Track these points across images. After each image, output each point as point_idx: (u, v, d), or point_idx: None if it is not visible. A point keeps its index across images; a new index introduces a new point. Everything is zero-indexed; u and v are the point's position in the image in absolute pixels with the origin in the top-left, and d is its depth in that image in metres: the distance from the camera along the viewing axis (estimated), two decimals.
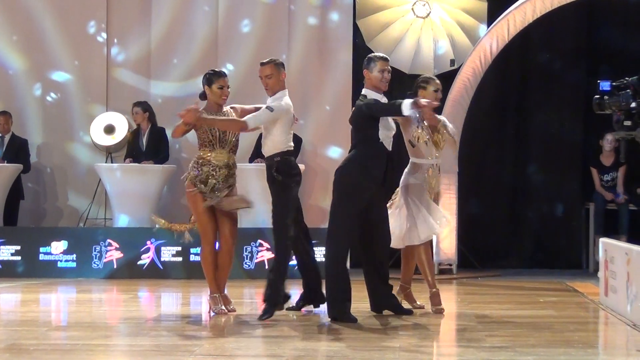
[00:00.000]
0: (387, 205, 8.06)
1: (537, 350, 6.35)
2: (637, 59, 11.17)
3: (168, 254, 10.94)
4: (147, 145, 11.83)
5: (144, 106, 11.90)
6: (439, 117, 8.25)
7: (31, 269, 10.98)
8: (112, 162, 12.09)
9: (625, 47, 12.10)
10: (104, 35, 12.47)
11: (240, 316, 7.92)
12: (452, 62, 11.89)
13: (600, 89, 7.93)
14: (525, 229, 12.54)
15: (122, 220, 11.51)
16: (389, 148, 7.76)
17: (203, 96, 8.14)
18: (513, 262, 12.38)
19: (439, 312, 8.05)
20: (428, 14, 12.00)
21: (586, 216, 12.20)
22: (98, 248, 10.99)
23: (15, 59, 12.51)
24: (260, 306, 7.83)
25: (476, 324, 7.57)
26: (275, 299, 7.74)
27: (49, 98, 12.53)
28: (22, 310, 8.76)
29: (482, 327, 7.41)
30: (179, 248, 10.84)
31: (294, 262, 10.64)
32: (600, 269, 8.64)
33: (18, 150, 12.06)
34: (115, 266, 10.97)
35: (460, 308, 8.70)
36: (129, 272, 10.92)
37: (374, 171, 7.67)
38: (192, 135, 8.16)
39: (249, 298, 8.93)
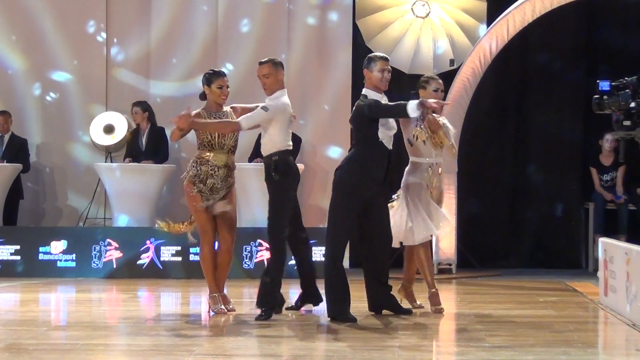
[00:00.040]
0: (389, 204, 8.05)
1: (537, 350, 6.35)
2: (636, 59, 11.17)
3: (167, 253, 10.94)
4: (146, 145, 11.84)
5: (144, 106, 11.90)
6: (441, 119, 8.25)
7: (31, 269, 10.98)
8: (111, 162, 12.09)
9: (624, 47, 12.10)
10: (104, 35, 12.47)
11: (239, 316, 7.92)
12: (452, 62, 11.89)
13: (600, 88, 7.93)
14: (525, 229, 12.54)
15: (122, 220, 11.51)
16: (390, 147, 7.76)
17: (203, 96, 8.15)
18: (513, 262, 12.38)
19: (438, 311, 8.06)
20: (427, 14, 11.99)
21: (586, 216, 12.21)
22: (97, 248, 10.99)
23: (15, 59, 12.50)
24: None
25: (476, 324, 7.57)
26: (271, 302, 7.70)
27: (48, 98, 12.53)
28: (22, 310, 8.76)
29: (481, 326, 7.42)
30: (179, 248, 10.84)
31: (292, 261, 10.73)
32: (599, 269, 8.64)
33: (18, 150, 12.06)
34: (114, 266, 10.97)
35: (460, 308, 8.70)
36: (128, 271, 10.92)
37: (373, 171, 7.67)
38: (191, 135, 8.17)
39: (249, 298, 8.92)
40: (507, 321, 7.81)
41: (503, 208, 12.51)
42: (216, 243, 8.07)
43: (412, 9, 12.01)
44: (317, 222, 12.03)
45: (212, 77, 8.07)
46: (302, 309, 8.15)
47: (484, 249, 12.23)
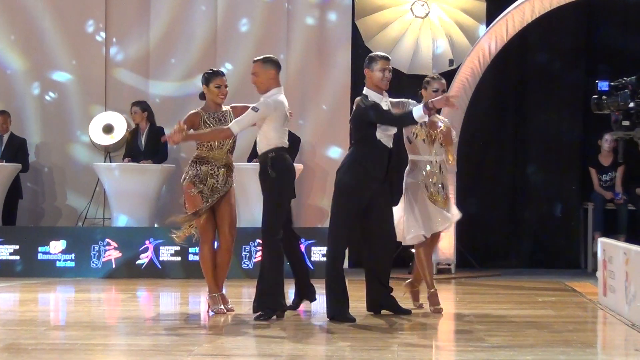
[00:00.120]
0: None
1: (536, 350, 6.35)
2: (635, 59, 11.17)
3: (167, 253, 10.93)
4: (145, 144, 11.83)
5: (143, 106, 11.90)
6: (443, 120, 8.25)
7: (30, 269, 10.97)
8: (110, 162, 12.09)
9: (624, 47, 12.10)
10: (103, 34, 12.47)
11: (238, 316, 7.92)
12: (451, 62, 11.89)
13: (599, 89, 7.93)
14: (524, 229, 12.54)
15: (121, 220, 11.51)
16: (389, 145, 7.75)
17: (202, 96, 8.16)
18: (512, 262, 12.38)
19: (437, 311, 8.06)
20: (427, 14, 11.99)
21: (585, 216, 12.21)
22: (97, 247, 10.99)
23: (14, 59, 12.49)
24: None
25: (475, 324, 7.57)
26: (269, 302, 7.63)
27: (47, 97, 12.53)
28: (21, 310, 8.76)
29: (480, 326, 7.42)
30: (178, 248, 10.83)
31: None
32: (598, 269, 8.64)
33: (17, 150, 12.05)
34: (113, 266, 10.97)
35: (459, 308, 8.70)
36: (127, 271, 10.91)
37: (373, 170, 7.67)
38: None
39: (248, 298, 8.91)
40: (506, 321, 7.81)
41: (502, 208, 12.51)
42: (215, 243, 8.07)
43: (411, 9, 12.01)
44: (316, 222, 12.04)
45: (211, 76, 8.08)
46: (301, 309, 8.14)
47: (483, 249, 12.24)
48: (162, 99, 12.41)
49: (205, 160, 7.98)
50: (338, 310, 7.60)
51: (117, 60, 12.50)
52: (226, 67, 11.94)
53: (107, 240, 10.98)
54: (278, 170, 7.65)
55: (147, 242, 10.94)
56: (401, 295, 8.25)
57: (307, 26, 12.33)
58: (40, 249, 11.01)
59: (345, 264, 7.75)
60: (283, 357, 6.13)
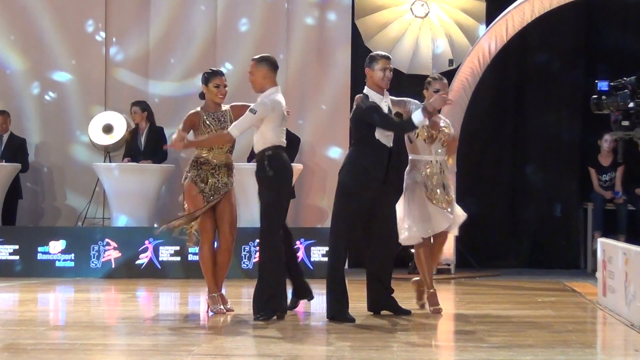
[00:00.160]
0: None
1: (535, 350, 6.35)
2: (635, 59, 11.17)
3: (166, 253, 10.94)
4: (145, 144, 11.84)
5: (143, 106, 11.90)
6: (445, 120, 8.25)
7: (29, 269, 10.97)
8: (110, 162, 12.09)
9: (623, 47, 12.10)
10: (103, 34, 12.47)
11: (238, 316, 7.92)
12: (451, 62, 11.89)
13: (598, 88, 7.93)
14: (524, 229, 12.54)
15: (121, 220, 11.51)
16: (389, 145, 7.74)
17: (202, 96, 8.17)
18: (511, 262, 12.38)
19: (437, 312, 8.06)
20: (426, 14, 12.00)
21: (584, 216, 12.21)
22: (96, 247, 10.99)
23: (13, 58, 12.49)
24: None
25: (474, 324, 7.57)
26: (271, 304, 7.62)
27: (47, 97, 12.53)
28: (20, 310, 8.76)
29: (480, 326, 7.41)
30: (177, 247, 10.83)
31: None
32: (598, 269, 8.64)
33: (16, 150, 12.05)
34: (113, 266, 10.97)
35: (459, 308, 8.70)
36: (127, 271, 10.91)
37: (373, 170, 7.66)
38: (190, 135, 8.15)
39: (247, 297, 8.90)
40: (506, 321, 7.81)
41: (502, 208, 12.51)
42: (215, 243, 8.07)
43: (411, 9, 12.02)
44: (316, 222, 12.05)
45: (210, 76, 8.09)
46: (300, 310, 8.13)
47: (483, 249, 12.24)
48: (162, 99, 12.41)
49: (206, 160, 7.99)
50: (338, 311, 7.60)
51: (116, 60, 12.50)
52: (226, 67, 11.94)
53: (106, 240, 10.99)
54: (275, 169, 7.62)
55: (146, 242, 10.94)
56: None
57: (306, 26, 12.33)
58: (39, 249, 11.02)
59: (345, 264, 7.74)
60: (282, 357, 6.13)
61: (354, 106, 7.89)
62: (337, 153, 12.15)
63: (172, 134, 7.93)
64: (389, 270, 7.91)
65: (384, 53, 7.92)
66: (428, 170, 8.08)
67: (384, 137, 7.71)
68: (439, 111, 8.31)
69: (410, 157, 8.17)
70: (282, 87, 11.96)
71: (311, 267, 10.82)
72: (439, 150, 8.13)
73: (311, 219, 12.09)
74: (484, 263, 11.98)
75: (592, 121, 11.40)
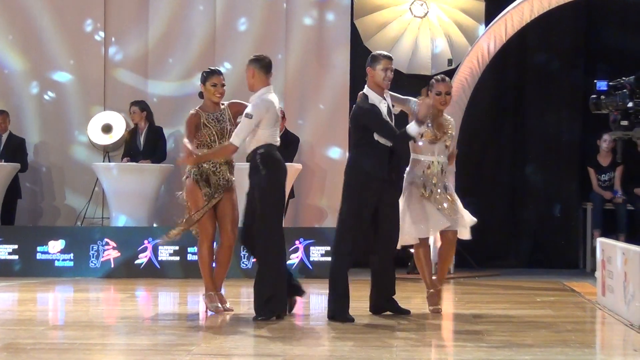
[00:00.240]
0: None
1: (535, 350, 6.35)
2: (634, 59, 11.17)
3: (165, 253, 10.93)
4: (144, 144, 11.84)
5: (142, 105, 11.90)
6: (449, 119, 8.25)
7: (28, 268, 10.97)
8: (109, 161, 12.09)
9: (623, 46, 12.11)
10: (102, 34, 12.46)
11: (237, 315, 7.92)
12: (450, 61, 11.90)
13: (597, 88, 7.93)
14: (523, 229, 12.55)
15: (120, 220, 11.50)
16: (389, 144, 7.74)
17: (202, 95, 8.16)
18: (511, 262, 12.38)
19: (436, 311, 8.05)
20: (426, 14, 12.00)
21: (584, 216, 12.22)
22: (95, 247, 10.98)
23: (12, 58, 12.48)
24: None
25: (474, 324, 7.57)
26: (274, 307, 7.61)
27: (46, 97, 12.52)
28: (20, 310, 8.76)
29: (479, 326, 7.41)
30: (177, 247, 10.83)
31: (291, 261, 10.73)
32: (597, 269, 8.64)
33: (16, 150, 12.05)
34: (112, 265, 10.96)
35: (458, 308, 8.70)
36: (126, 271, 10.91)
37: (374, 171, 7.65)
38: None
39: (246, 297, 8.91)
40: (505, 321, 7.81)
41: (501, 208, 12.51)
42: (215, 244, 8.08)
43: (410, 8, 12.02)
44: (315, 222, 12.05)
45: (208, 75, 8.10)
46: (299, 311, 8.12)
47: (482, 249, 12.22)
48: (161, 99, 12.41)
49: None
50: (338, 310, 7.60)
51: (116, 60, 12.49)
52: (225, 67, 11.93)
53: (105, 239, 10.98)
54: (268, 167, 7.60)
55: (145, 241, 10.93)
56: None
57: (306, 25, 12.32)
58: (39, 248, 11.01)
59: (349, 265, 7.70)
60: (282, 357, 6.13)
61: (355, 106, 7.88)
62: (336, 153, 12.15)
63: (182, 149, 7.88)
64: (388, 269, 7.90)
65: (386, 53, 7.90)
66: (428, 171, 8.07)
67: (383, 138, 7.70)
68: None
69: (412, 157, 8.15)
70: (281, 87, 12.07)
71: (310, 267, 10.83)
72: (441, 152, 8.12)
73: (310, 218, 12.09)
74: (483, 263, 11.98)
75: (591, 121, 11.41)
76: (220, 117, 8.04)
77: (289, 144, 11.47)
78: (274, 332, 7.11)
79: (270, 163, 7.61)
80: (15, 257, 11.03)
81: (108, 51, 12.47)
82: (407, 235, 8.00)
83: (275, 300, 7.58)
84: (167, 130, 12.11)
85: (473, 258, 11.81)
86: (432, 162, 8.08)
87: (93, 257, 10.97)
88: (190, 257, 10.76)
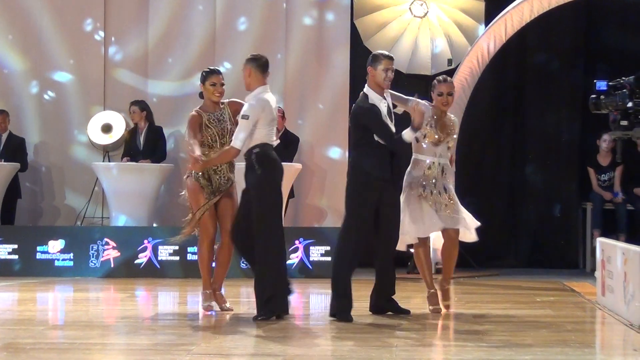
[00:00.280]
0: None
1: (534, 350, 6.35)
2: (634, 59, 11.17)
3: (165, 253, 10.93)
4: (144, 144, 11.84)
5: (142, 105, 11.90)
6: (453, 119, 8.25)
7: (28, 268, 10.97)
8: (109, 161, 12.09)
9: (622, 46, 12.11)
10: (102, 33, 12.45)
11: (237, 315, 7.92)
12: (450, 61, 11.90)
13: (597, 88, 7.93)
14: (523, 229, 12.55)
15: (120, 219, 11.50)
16: None
17: (202, 95, 8.16)
18: (510, 262, 12.39)
19: (436, 312, 8.06)
20: (425, 14, 12.00)
21: (583, 216, 12.22)
22: (95, 247, 10.98)
23: (12, 58, 12.48)
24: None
25: (473, 324, 7.57)
26: (274, 308, 7.62)
27: (46, 97, 12.52)
28: (19, 309, 8.76)
29: (479, 326, 7.42)
30: (176, 247, 10.83)
31: (291, 261, 10.74)
32: (597, 269, 8.64)
33: (15, 149, 12.05)
34: (112, 265, 10.96)
35: (458, 308, 8.69)
36: (126, 271, 10.91)
37: (374, 171, 7.65)
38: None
39: (246, 297, 8.92)
40: (505, 321, 7.81)
41: (501, 208, 12.51)
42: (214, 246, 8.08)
43: (410, 8, 12.02)
44: (315, 221, 12.05)
45: (207, 75, 8.10)
46: (300, 310, 8.12)
47: (482, 249, 12.19)
48: (161, 99, 12.40)
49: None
50: (339, 309, 7.60)
51: (115, 60, 12.49)
52: (225, 66, 11.92)
53: (105, 239, 10.98)
54: (264, 166, 7.59)
55: (145, 241, 10.94)
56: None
57: (305, 25, 12.32)
58: (38, 248, 11.01)
59: (353, 265, 7.68)
60: (282, 357, 6.13)
61: (354, 105, 7.87)
62: (336, 153, 12.15)
63: (189, 153, 7.87)
64: (391, 271, 7.90)
65: (387, 53, 7.89)
66: (429, 171, 8.06)
67: None
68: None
69: (413, 157, 8.14)
70: (281, 87, 12.07)
71: (310, 267, 10.83)
72: (443, 153, 8.11)
73: (310, 218, 12.09)
74: (483, 263, 11.98)
75: (591, 121, 11.41)
76: (221, 116, 8.04)
77: (289, 143, 11.47)
78: (274, 332, 7.11)
79: (266, 162, 7.60)
80: (15, 256, 11.03)
81: (108, 51, 12.47)
82: (407, 235, 8.00)
83: (275, 300, 7.58)
84: (167, 130, 12.11)
85: (473, 258, 11.81)
86: (433, 162, 8.08)
87: (93, 257, 10.97)
88: (190, 256, 10.77)
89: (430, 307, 8.10)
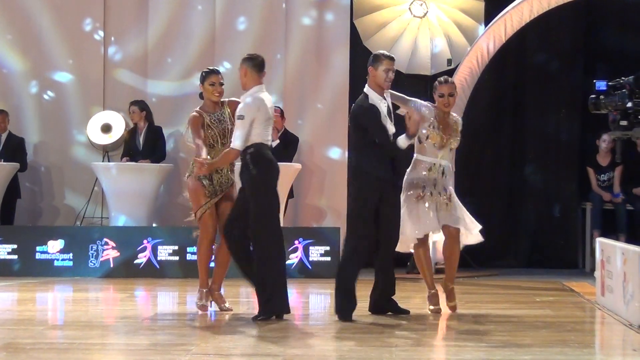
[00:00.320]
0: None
1: (534, 350, 6.35)
2: (634, 59, 11.18)
3: (164, 253, 10.93)
4: (144, 144, 11.84)
5: (141, 105, 11.90)
6: (457, 118, 8.24)
7: (28, 268, 10.96)
8: (108, 161, 12.09)
9: (622, 46, 12.11)
10: (101, 33, 12.45)
11: (236, 315, 7.92)
12: (449, 61, 11.89)
13: (596, 88, 7.93)
14: (522, 229, 12.55)
15: (119, 219, 11.50)
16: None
17: (202, 95, 8.16)
18: (510, 262, 12.38)
19: (436, 311, 8.06)
20: (425, 14, 11.99)
21: (583, 216, 12.22)
22: (95, 247, 10.98)
23: (11, 58, 12.47)
24: (256, 306, 7.80)
25: (473, 324, 7.57)
26: (274, 308, 7.62)
27: (45, 96, 12.51)
28: (19, 309, 8.76)
29: (478, 326, 7.42)
30: (176, 247, 10.84)
31: (290, 261, 10.73)
32: (596, 269, 8.64)
33: (15, 149, 12.04)
34: (111, 265, 10.96)
35: (458, 308, 8.68)
36: (125, 271, 10.91)
37: (376, 170, 7.65)
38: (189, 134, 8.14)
39: (245, 297, 8.92)
40: (504, 321, 7.81)
41: (500, 208, 12.51)
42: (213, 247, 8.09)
43: (409, 8, 12.01)
44: (314, 221, 12.04)
45: (206, 75, 8.11)
46: (299, 310, 8.12)
47: (481, 249, 12.14)
48: (160, 98, 12.40)
49: (211, 157, 7.97)
50: (342, 308, 7.62)
51: (115, 60, 12.48)
52: (224, 66, 11.91)
53: (105, 239, 10.98)
54: (259, 166, 7.57)
55: (145, 241, 10.93)
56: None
57: (305, 25, 12.32)
58: (38, 248, 11.01)
59: (359, 265, 7.66)
60: (281, 357, 6.13)
61: (354, 105, 7.87)
62: (336, 153, 12.14)
63: (195, 152, 7.87)
64: (391, 271, 7.90)
65: (388, 54, 7.88)
66: (429, 172, 8.04)
67: None
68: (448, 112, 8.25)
69: (414, 157, 8.12)
70: (280, 87, 12.07)
71: (309, 267, 10.82)
72: (445, 155, 8.10)
73: (309, 218, 12.09)
74: (482, 263, 11.97)
75: (590, 121, 11.41)
76: (221, 117, 8.03)
77: (289, 143, 11.47)
78: (274, 332, 7.11)
79: (260, 162, 7.59)
80: (15, 256, 11.03)
81: (107, 51, 12.46)
82: (406, 236, 7.99)
83: (274, 300, 7.58)
84: (167, 130, 12.11)
85: (472, 258, 11.81)
86: (434, 164, 8.06)
87: (92, 257, 10.97)
88: (189, 256, 10.76)
89: (431, 307, 8.10)
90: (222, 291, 8.19)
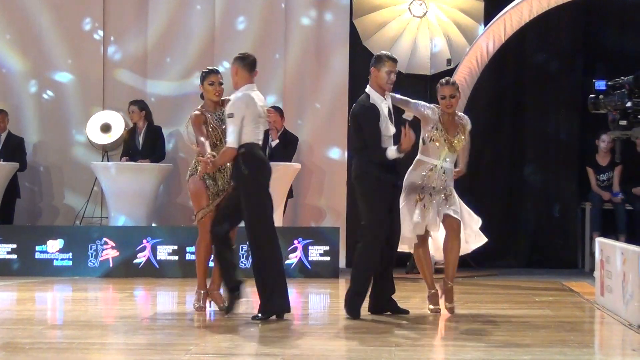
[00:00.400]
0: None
1: (533, 350, 6.35)
2: (633, 59, 11.18)
3: (164, 252, 10.93)
4: (143, 143, 11.83)
5: (141, 105, 11.90)
6: (464, 117, 8.23)
7: (27, 268, 10.96)
8: (108, 161, 12.09)
9: (621, 46, 12.12)
10: (101, 33, 12.45)
11: (236, 315, 7.91)
12: (449, 61, 11.89)
13: (596, 88, 7.93)
14: (522, 229, 12.54)
15: (119, 219, 11.50)
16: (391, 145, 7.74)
17: (202, 96, 8.16)
18: (509, 262, 12.38)
19: (436, 311, 8.06)
20: (425, 14, 12.00)
21: (582, 216, 12.22)
22: (94, 247, 10.97)
23: (10, 57, 12.47)
24: (255, 306, 7.80)
25: (472, 324, 7.57)
26: (274, 308, 7.62)
27: (45, 96, 12.52)
28: (18, 309, 8.75)
29: (478, 326, 7.42)
30: (175, 247, 10.84)
31: (290, 260, 10.73)
32: (596, 269, 8.64)
33: (14, 149, 12.04)
34: (111, 265, 10.96)
35: (457, 308, 8.68)
36: (125, 270, 10.91)
37: (384, 175, 7.65)
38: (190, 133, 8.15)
39: (245, 297, 8.91)
40: (504, 321, 7.81)
41: (500, 208, 12.50)
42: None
43: (409, 8, 12.02)
44: (314, 221, 12.05)
45: (206, 74, 8.11)
46: (298, 310, 8.12)
47: (481, 249, 12.17)
48: (160, 98, 12.40)
49: (212, 157, 7.95)
50: (351, 304, 7.67)
51: (115, 59, 12.49)
52: (224, 66, 11.89)
53: (104, 239, 10.98)
54: (250, 166, 7.56)
55: (144, 241, 10.93)
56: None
57: (304, 25, 12.32)
58: (37, 247, 11.00)
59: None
60: (281, 357, 6.13)
61: (355, 104, 7.86)
62: (335, 153, 12.14)
63: (200, 151, 7.86)
64: (390, 272, 7.91)
65: (391, 55, 7.86)
66: (430, 173, 8.03)
67: (386, 139, 7.69)
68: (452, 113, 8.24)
69: (417, 157, 8.10)
70: (280, 87, 12.08)
71: (309, 267, 10.82)
72: (448, 158, 8.09)
73: (309, 218, 12.09)
74: (482, 263, 11.97)
75: (590, 121, 11.41)
76: (223, 116, 8.02)
77: (288, 143, 11.47)
78: (273, 332, 7.11)
79: (252, 162, 7.58)
80: (14, 256, 11.02)
81: (107, 50, 12.47)
82: (406, 236, 7.99)
83: (274, 300, 7.58)
84: (166, 130, 12.11)
85: (471, 258, 11.79)
86: (435, 166, 8.04)
87: (92, 257, 10.97)
88: (188, 256, 10.76)
89: (431, 307, 8.10)
90: (221, 291, 8.18)
